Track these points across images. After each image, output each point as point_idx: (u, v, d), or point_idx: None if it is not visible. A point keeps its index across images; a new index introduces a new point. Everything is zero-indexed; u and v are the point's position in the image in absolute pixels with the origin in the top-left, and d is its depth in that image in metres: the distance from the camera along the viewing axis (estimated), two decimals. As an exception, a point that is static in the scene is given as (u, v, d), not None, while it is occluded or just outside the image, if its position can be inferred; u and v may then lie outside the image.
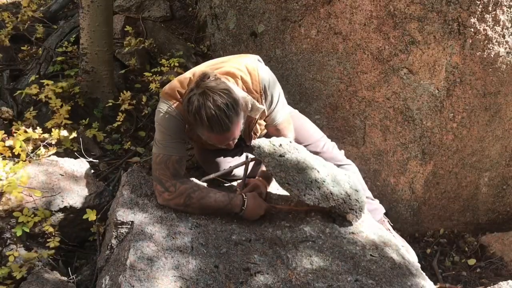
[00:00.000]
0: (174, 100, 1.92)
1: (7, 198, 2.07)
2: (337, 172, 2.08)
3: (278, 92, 2.09)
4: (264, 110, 2.05)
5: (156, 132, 1.97)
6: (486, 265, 2.70)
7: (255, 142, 2.01)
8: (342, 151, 2.44)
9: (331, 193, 1.94)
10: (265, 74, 2.02)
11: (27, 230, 2.06)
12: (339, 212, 1.99)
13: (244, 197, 1.96)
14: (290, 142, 2.08)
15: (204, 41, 3.85)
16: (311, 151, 2.16)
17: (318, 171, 1.98)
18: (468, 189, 2.89)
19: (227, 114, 1.74)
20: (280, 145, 2.02)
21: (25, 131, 2.40)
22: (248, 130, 2.17)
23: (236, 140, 1.96)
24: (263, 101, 2.04)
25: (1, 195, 2.07)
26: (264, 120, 2.18)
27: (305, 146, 2.20)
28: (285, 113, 2.17)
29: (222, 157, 2.31)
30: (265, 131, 2.27)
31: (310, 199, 1.90)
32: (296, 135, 2.27)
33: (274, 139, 2.04)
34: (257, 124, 2.19)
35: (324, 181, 1.96)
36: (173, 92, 1.93)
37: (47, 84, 3.02)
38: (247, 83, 1.98)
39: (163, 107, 1.93)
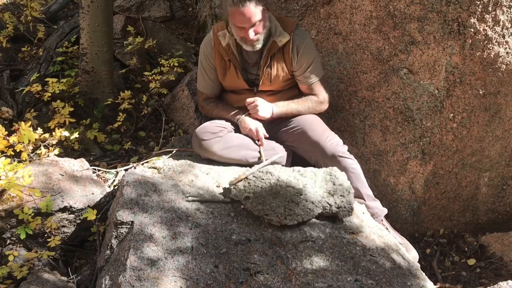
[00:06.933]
0: None
1: (7, 198, 2.07)
2: (318, 174, 2.10)
3: (314, 53, 2.41)
4: (290, 48, 2.31)
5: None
6: (486, 265, 2.70)
7: (231, 187, 2.04)
8: (346, 147, 2.45)
9: (312, 203, 1.95)
10: (302, 31, 2.42)
11: (30, 232, 2.07)
12: (327, 215, 1.99)
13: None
14: (264, 166, 2.11)
15: (204, 41, 3.85)
16: (316, 143, 2.31)
17: (293, 187, 1.99)
18: (468, 189, 2.89)
19: None
20: (247, 178, 2.04)
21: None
22: (267, 58, 2.34)
23: (255, 34, 2.18)
24: (292, 45, 2.32)
25: (1, 193, 2.07)
26: (294, 73, 2.41)
27: (311, 137, 2.34)
28: (318, 78, 2.44)
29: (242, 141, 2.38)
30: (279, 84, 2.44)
31: (292, 219, 1.91)
32: (306, 128, 2.41)
33: (241, 174, 2.06)
34: (277, 69, 2.37)
35: (301, 195, 1.96)
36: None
37: (52, 82, 3.02)
38: (282, 19, 2.37)
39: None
